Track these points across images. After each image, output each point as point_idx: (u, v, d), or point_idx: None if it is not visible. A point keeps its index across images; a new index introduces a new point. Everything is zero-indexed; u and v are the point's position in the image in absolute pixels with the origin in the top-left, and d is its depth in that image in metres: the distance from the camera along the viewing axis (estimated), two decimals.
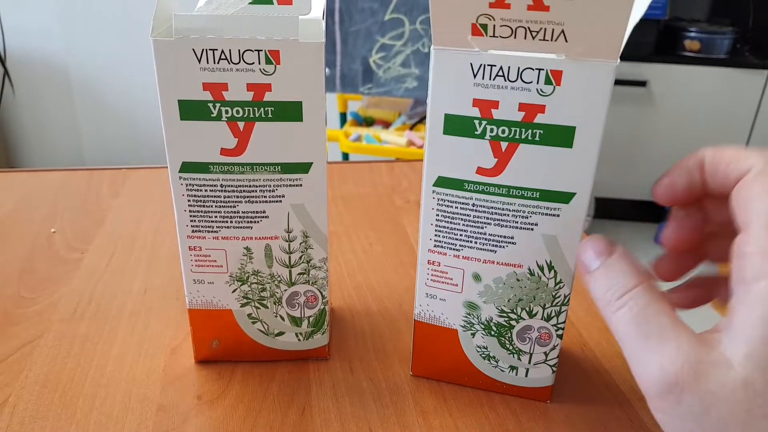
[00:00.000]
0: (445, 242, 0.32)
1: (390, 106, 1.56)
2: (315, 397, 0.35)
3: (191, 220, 0.33)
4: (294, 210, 0.33)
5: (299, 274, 0.35)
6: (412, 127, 1.46)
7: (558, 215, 0.29)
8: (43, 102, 1.99)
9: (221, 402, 0.34)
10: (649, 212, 2.02)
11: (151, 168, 0.64)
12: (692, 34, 1.79)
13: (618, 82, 1.79)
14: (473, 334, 0.34)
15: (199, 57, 0.29)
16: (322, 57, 0.30)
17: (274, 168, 0.32)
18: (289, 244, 0.34)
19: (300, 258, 0.34)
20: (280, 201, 0.33)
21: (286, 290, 0.35)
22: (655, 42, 1.82)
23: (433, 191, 0.31)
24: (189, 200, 0.32)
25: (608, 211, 2.00)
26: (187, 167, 0.32)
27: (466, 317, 0.34)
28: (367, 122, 1.55)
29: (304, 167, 0.32)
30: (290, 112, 0.30)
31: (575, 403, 0.35)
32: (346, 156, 1.58)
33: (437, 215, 0.31)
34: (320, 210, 0.33)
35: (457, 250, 0.32)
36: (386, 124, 1.52)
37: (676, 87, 1.80)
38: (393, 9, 1.30)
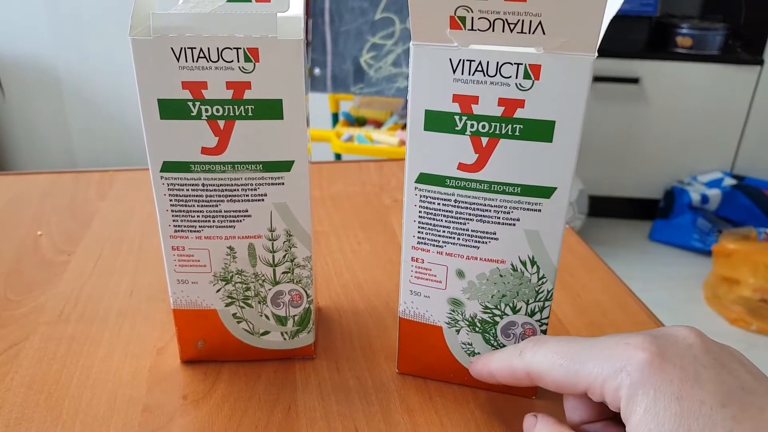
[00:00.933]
0: (428, 239, 0.32)
1: (381, 106, 1.56)
2: (301, 395, 0.35)
3: (173, 220, 0.33)
4: (276, 209, 0.33)
5: (283, 273, 0.35)
6: (404, 127, 1.46)
7: (539, 210, 0.30)
8: (34, 104, 1.99)
9: (207, 402, 0.34)
10: (643, 210, 2.02)
11: (137, 170, 0.64)
12: (684, 31, 1.80)
13: (610, 79, 1.79)
14: (458, 331, 0.34)
15: (177, 56, 0.29)
16: (302, 54, 0.29)
17: (256, 167, 0.32)
18: (272, 243, 0.34)
19: (284, 257, 0.34)
20: (263, 200, 0.33)
21: (270, 289, 0.35)
22: (647, 39, 1.82)
23: (416, 188, 0.31)
24: (171, 200, 0.32)
25: (602, 209, 2.01)
26: (168, 167, 0.31)
27: (451, 314, 0.34)
28: (359, 122, 1.54)
29: (285, 165, 0.32)
30: (271, 110, 0.30)
31: (561, 399, 0.35)
32: (338, 156, 1.58)
33: (420, 212, 0.31)
34: (303, 208, 0.33)
35: (440, 246, 0.32)
36: (378, 124, 1.52)
37: (668, 83, 1.81)
38: (383, 8, 1.30)
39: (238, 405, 0.34)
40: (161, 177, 0.32)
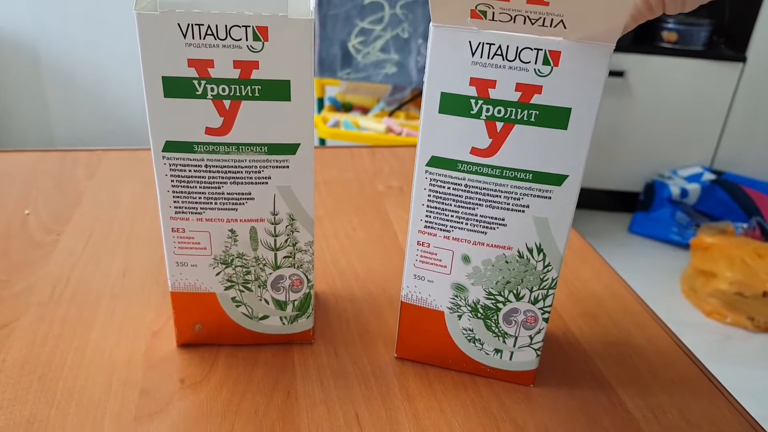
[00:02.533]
0: (435, 223, 0.32)
1: (368, 92, 1.55)
2: (300, 380, 0.35)
3: (174, 201, 0.32)
4: (280, 192, 0.32)
5: (285, 257, 0.34)
6: (390, 114, 1.45)
7: (550, 197, 0.30)
8: (11, 83, 1.94)
9: (205, 385, 0.34)
10: (623, 202, 2.05)
11: (126, 150, 0.62)
12: (670, 26, 1.81)
13: None
14: (460, 317, 0.34)
15: (184, 32, 0.28)
16: (311, 34, 0.29)
17: (261, 149, 0.31)
18: (274, 227, 0.33)
19: (286, 241, 0.34)
20: (267, 183, 0.32)
21: (271, 274, 0.35)
22: (633, 32, 1.83)
23: (426, 171, 0.31)
24: (172, 180, 0.32)
25: (583, 200, 2.02)
26: (170, 146, 0.31)
27: (454, 299, 0.34)
28: (345, 108, 1.53)
29: (291, 148, 0.31)
30: (278, 90, 0.30)
31: (558, 387, 0.35)
32: (322, 141, 1.57)
33: (429, 195, 0.31)
34: (307, 192, 0.33)
35: (447, 231, 0.32)
36: (364, 110, 1.51)
37: (653, 78, 1.82)
38: None
39: (236, 389, 0.34)
40: (163, 157, 0.31)
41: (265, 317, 0.36)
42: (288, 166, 0.32)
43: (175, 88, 0.29)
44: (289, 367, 0.36)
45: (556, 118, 0.28)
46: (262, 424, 0.32)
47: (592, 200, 2.04)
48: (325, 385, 0.34)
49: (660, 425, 0.33)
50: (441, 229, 0.32)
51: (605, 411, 0.34)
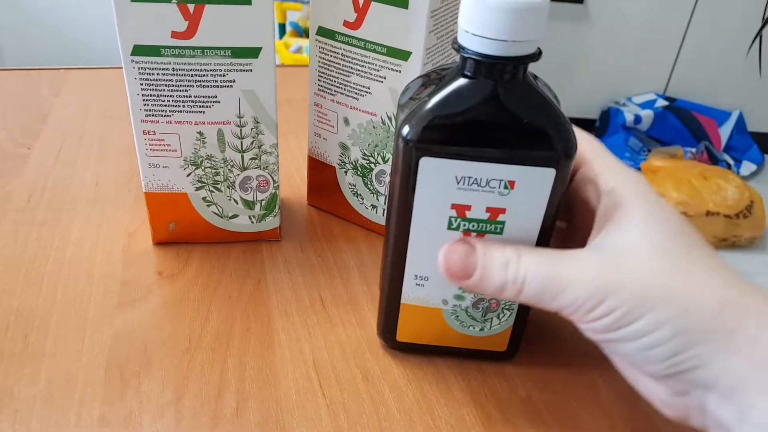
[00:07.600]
0: (326, 87, 0.39)
1: None
2: (269, 271, 0.38)
3: (144, 104, 0.34)
4: (245, 95, 0.35)
5: (251, 159, 0.37)
6: None
7: (399, 71, 0.35)
8: None
9: (182, 276, 0.37)
10: (583, 129, 2.10)
11: (90, 68, 0.63)
12: None
13: None
14: (346, 172, 0.41)
15: None
16: None
17: (225, 52, 0.33)
18: (240, 130, 0.36)
19: (251, 143, 0.36)
20: (231, 86, 0.34)
21: (238, 175, 0.37)
22: None
23: (316, 40, 0.37)
24: (141, 84, 0.34)
25: None
26: (138, 50, 0.33)
27: (341, 156, 0.41)
28: (307, 33, 1.52)
29: (253, 52, 0.33)
30: None
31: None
32: None
33: (319, 62, 0.38)
34: (270, 96, 0.35)
35: (332, 95, 0.39)
36: None
37: (611, 4, 1.84)
38: None
39: (211, 279, 0.37)
40: (132, 61, 0.33)
41: (234, 216, 0.39)
42: (251, 70, 0.34)
43: None
44: (259, 261, 0.39)
45: None
46: (236, 305, 0.35)
47: None
48: (292, 274, 0.38)
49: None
50: (329, 93, 0.39)
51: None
